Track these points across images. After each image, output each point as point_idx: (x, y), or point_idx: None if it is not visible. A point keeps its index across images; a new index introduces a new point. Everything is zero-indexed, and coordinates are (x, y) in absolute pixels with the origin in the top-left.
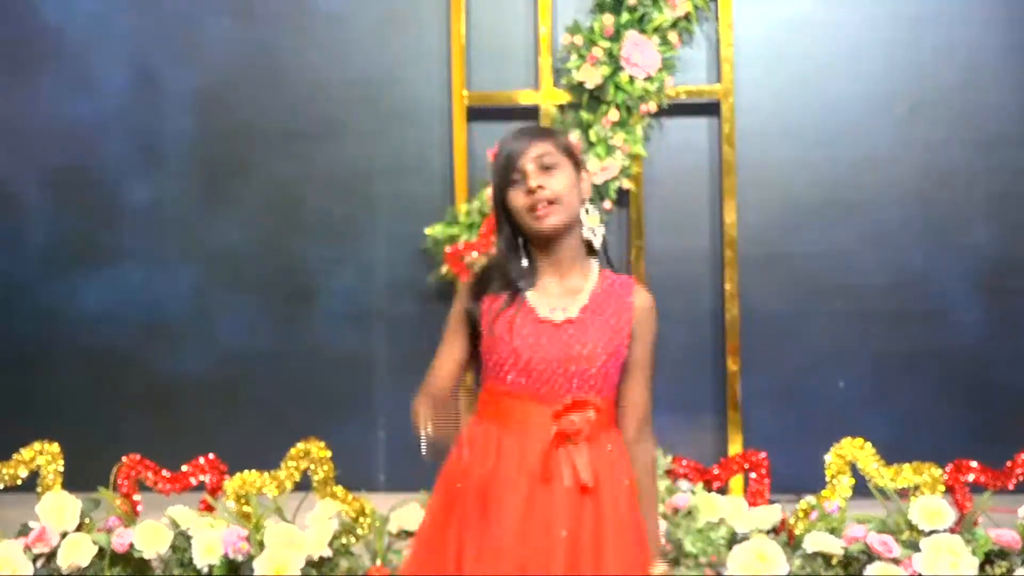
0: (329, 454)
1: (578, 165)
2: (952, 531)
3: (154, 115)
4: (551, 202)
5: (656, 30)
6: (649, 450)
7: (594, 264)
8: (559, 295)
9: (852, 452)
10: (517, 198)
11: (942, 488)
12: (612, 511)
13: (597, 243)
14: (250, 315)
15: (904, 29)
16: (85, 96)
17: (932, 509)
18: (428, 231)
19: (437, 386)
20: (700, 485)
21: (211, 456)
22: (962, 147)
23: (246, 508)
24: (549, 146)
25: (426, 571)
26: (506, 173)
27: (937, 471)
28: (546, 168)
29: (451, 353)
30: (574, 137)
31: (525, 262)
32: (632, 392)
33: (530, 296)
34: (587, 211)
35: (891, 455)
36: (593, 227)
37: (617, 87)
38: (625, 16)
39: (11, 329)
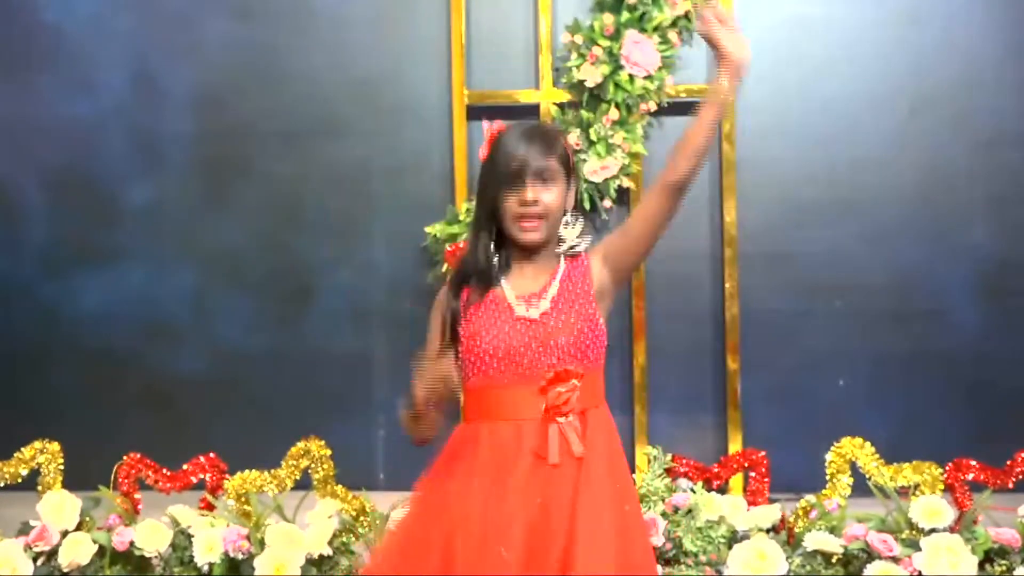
0: (329, 453)
1: (570, 177)
2: (952, 530)
3: (153, 115)
4: (540, 217)
5: (656, 29)
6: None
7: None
8: (531, 285)
9: (852, 451)
10: (509, 203)
11: (942, 487)
12: (594, 481)
13: (563, 248)
14: (250, 314)
15: (904, 28)
16: (84, 96)
17: (932, 508)
18: (428, 229)
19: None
20: (700, 484)
21: (211, 455)
22: (962, 147)
23: (246, 507)
24: (552, 160)
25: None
26: (505, 175)
27: (937, 470)
28: (544, 181)
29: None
30: (574, 137)
31: (496, 259)
32: (636, 214)
33: (505, 290)
34: (566, 223)
35: (891, 454)
36: (570, 239)
37: (617, 86)
38: (625, 15)
39: (11, 329)
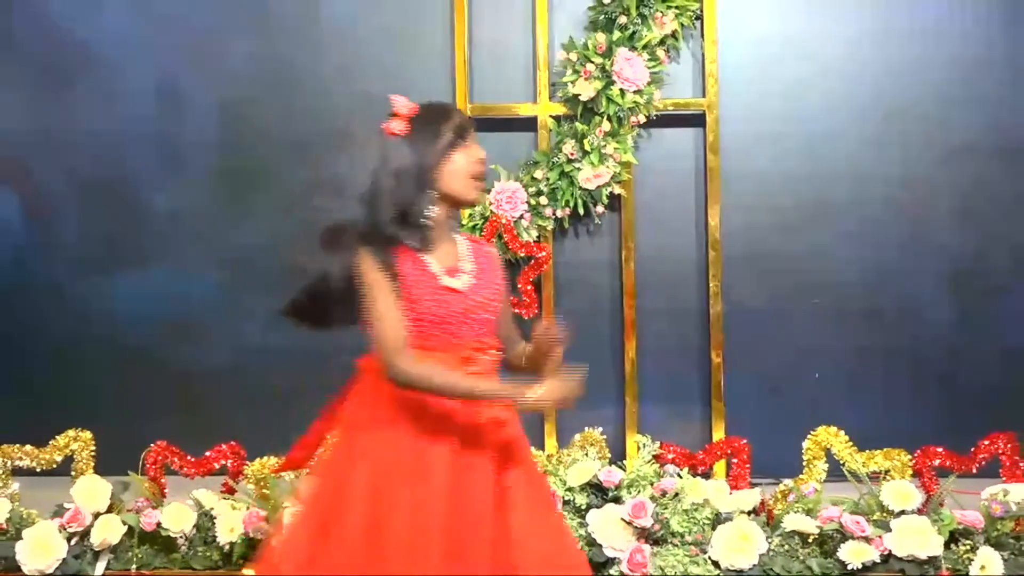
0: None
1: None
2: (920, 512)
3: (178, 126)
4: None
5: (645, 47)
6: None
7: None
8: (451, 259)
9: (827, 439)
10: (467, 161)
11: (910, 472)
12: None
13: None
14: (268, 313)
15: (879, 46)
16: (114, 109)
17: (901, 491)
18: None
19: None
20: (686, 469)
21: (232, 443)
22: (933, 156)
23: (265, 490)
24: None
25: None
26: (461, 134)
27: (906, 456)
28: None
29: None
30: (569, 147)
31: (425, 221)
32: (508, 322)
33: (430, 263)
34: None
35: (863, 442)
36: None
37: (609, 100)
38: (617, 34)
39: (47, 327)
